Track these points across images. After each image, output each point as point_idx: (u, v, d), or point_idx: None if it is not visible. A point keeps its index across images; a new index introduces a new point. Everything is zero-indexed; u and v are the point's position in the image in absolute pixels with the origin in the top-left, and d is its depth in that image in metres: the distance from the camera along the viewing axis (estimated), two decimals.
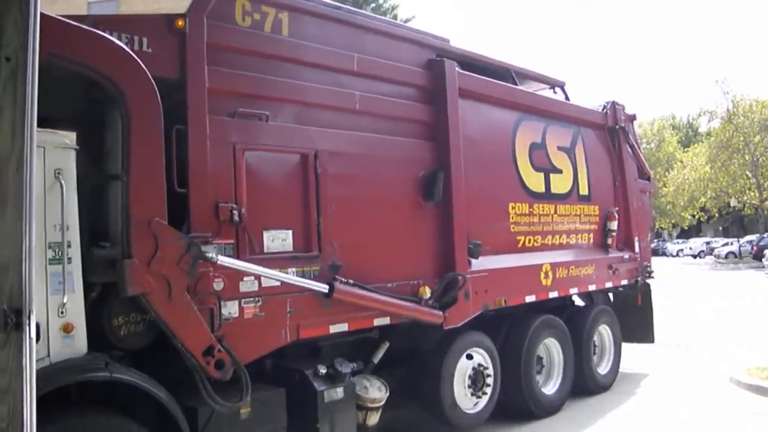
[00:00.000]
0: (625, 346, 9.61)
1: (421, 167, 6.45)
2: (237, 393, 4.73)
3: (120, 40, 4.49)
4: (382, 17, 6.53)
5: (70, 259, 4.12)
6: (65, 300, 4.07)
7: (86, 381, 4.07)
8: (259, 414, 5.01)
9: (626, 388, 8.94)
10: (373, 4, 27.60)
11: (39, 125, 4.63)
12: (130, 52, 4.41)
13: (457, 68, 6.80)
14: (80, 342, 4.17)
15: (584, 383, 8.36)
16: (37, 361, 3.93)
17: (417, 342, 6.74)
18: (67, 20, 4.20)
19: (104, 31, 4.39)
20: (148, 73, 4.41)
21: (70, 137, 4.66)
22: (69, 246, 4.13)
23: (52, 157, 4.12)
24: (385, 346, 6.28)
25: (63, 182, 4.11)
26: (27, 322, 2.36)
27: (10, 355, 2.31)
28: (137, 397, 4.29)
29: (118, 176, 4.44)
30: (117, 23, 4.65)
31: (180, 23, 4.83)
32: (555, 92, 8.93)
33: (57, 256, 4.07)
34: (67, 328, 4.10)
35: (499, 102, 7.43)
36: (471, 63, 7.30)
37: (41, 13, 4.06)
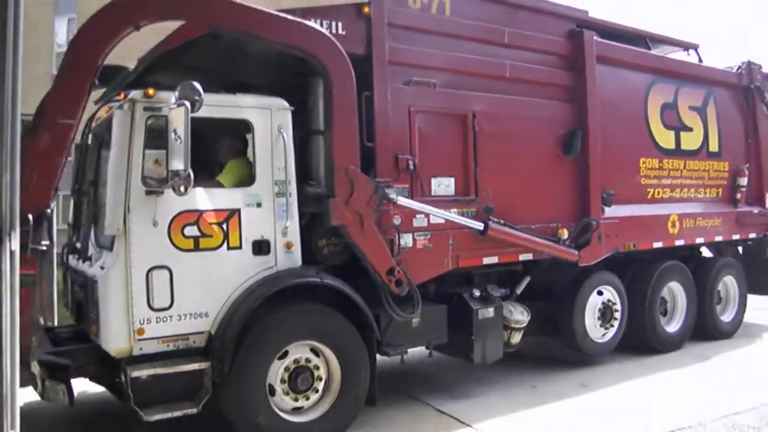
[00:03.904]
0: (758, 299, 10.06)
1: (562, 126, 7.37)
2: (410, 307, 5.90)
3: (321, 25, 5.67)
4: None
5: (290, 193, 5.43)
6: (287, 224, 5.39)
7: (303, 285, 5.36)
8: (426, 325, 6.14)
9: (749, 336, 9.42)
10: None
11: (244, 91, 5.90)
12: (330, 35, 5.59)
13: (595, 37, 7.61)
14: (297, 256, 5.46)
15: (706, 328, 8.98)
16: (267, 269, 5.31)
17: (555, 278, 7.68)
18: (283, 14, 5.42)
19: (309, 20, 5.58)
20: (343, 51, 5.59)
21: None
22: (289, 183, 5.43)
23: (276, 116, 5.43)
24: (527, 279, 7.30)
25: (284, 135, 5.43)
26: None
27: None
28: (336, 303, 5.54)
29: (321, 132, 5.66)
30: (319, 12, 5.79)
31: (366, 9, 5.96)
32: (689, 54, 9.45)
33: (281, 191, 5.38)
34: (288, 245, 5.40)
35: (632, 66, 8.14)
36: (608, 31, 8.06)
37: (263, 10, 5.24)
